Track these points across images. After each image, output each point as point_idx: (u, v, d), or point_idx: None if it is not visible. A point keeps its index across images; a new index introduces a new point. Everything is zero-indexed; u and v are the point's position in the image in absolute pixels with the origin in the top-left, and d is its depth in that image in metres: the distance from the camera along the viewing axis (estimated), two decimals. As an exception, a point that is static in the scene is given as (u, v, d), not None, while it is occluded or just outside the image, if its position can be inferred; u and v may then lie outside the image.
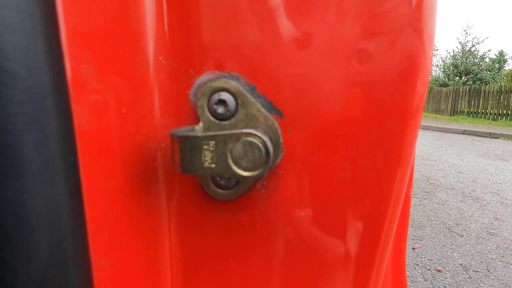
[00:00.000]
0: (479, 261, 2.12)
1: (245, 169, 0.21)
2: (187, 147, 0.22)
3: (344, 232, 0.27)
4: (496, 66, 19.92)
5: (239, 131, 0.21)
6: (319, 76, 0.25)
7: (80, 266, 0.17)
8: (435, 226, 2.64)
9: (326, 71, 0.25)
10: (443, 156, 5.35)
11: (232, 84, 0.25)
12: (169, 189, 0.28)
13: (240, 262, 0.29)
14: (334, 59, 0.24)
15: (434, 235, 2.50)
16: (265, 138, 0.21)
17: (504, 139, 7.65)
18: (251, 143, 0.21)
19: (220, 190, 0.27)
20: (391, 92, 0.24)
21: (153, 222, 0.27)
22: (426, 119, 12.60)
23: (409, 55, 0.23)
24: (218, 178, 0.27)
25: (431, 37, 0.24)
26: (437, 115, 14.70)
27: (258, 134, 0.21)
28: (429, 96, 16.22)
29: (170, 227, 0.29)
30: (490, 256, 2.18)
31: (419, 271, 2.01)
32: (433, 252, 2.24)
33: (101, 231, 0.22)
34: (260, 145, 0.21)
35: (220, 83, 0.25)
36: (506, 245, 2.33)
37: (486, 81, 18.20)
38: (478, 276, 1.96)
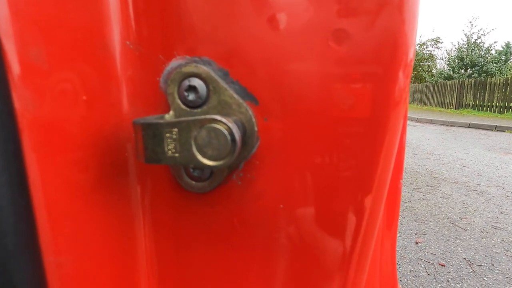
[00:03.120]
0: (483, 255, 2.09)
1: (210, 158, 0.20)
2: (149, 135, 0.20)
3: (324, 223, 0.26)
4: (503, 58, 19.58)
5: (202, 117, 0.19)
6: (295, 59, 0.23)
7: (28, 262, 0.16)
8: (439, 221, 2.62)
9: (302, 53, 0.23)
10: (447, 150, 5.29)
11: (203, 69, 0.24)
12: (141, 182, 0.27)
13: (218, 257, 0.27)
14: (310, 40, 0.23)
15: (437, 229, 2.47)
16: (231, 125, 0.19)
17: (510, 132, 7.54)
18: (215, 130, 0.19)
19: (194, 182, 0.26)
20: (372, 73, 0.23)
21: (125, 217, 0.26)
22: (430, 113, 12.47)
23: (390, 34, 0.22)
24: (191, 170, 0.26)
25: (414, 14, 0.22)
26: (442, 109, 14.53)
27: (223, 120, 0.19)
28: (433, 89, 16.03)
29: (144, 222, 0.27)
30: (494, 250, 2.15)
31: (422, 266, 1.99)
32: (436, 247, 2.21)
33: (62, 226, 0.21)
34: (226, 132, 0.19)
35: (190, 68, 0.24)
36: (511, 239, 2.30)
37: (492, 74, 17.91)
38: (482, 270, 1.93)
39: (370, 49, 0.22)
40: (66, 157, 0.21)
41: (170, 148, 0.20)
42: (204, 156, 0.20)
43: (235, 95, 0.24)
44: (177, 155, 0.20)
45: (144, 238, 0.28)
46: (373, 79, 0.23)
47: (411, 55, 0.24)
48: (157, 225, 0.28)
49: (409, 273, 1.92)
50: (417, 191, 3.30)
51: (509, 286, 1.78)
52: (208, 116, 0.19)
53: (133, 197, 0.26)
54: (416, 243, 2.27)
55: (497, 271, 1.92)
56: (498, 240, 2.29)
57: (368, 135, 0.24)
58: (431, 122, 9.77)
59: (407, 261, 2.05)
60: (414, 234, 2.39)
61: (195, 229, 0.27)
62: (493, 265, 1.98)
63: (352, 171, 0.24)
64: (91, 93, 0.22)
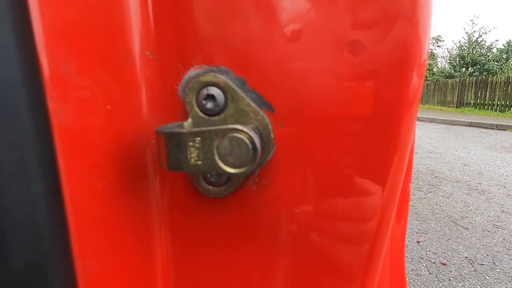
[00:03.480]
0: (484, 254, 2.10)
1: (232, 166, 0.20)
2: (173, 144, 0.21)
3: (339, 226, 0.26)
4: (504, 57, 19.53)
5: (225, 127, 0.20)
6: (310, 68, 0.24)
7: (62, 267, 0.17)
8: (440, 220, 2.63)
9: (317, 63, 0.24)
10: (448, 149, 5.29)
11: (221, 78, 0.24)
12: (159, 187, 0.27)
13: (233, 260, 0.28)
14: (326, 50, 0.23)
15: (439, 228, 2.48)
16: (252, 134, 0.20)
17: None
18: (237, 139, 0.20)
19: (211, 187, 0.27)
20: (385, 84, 0.23)
21: (144, 221, 0.27)
22: (431, 112, 12.45)
23: (403, 45, 0.22)
24: (209, 175, 0.26)
25: (426, 26, 0.23)
26: (443, 107, 14.51)
27: (245, 130, 0.20)
28: (434, 88, 16.01)
29: (162, 226, 0.28)
30: (496, 249, 2.16)
31: (424, 265, 2.00)
32: (438, 246, 2.23)
33: (87, 230, 0.21)
34: (247, 141, 0.20)
35: (209, 77, 0.24)
36: (513, 238, 2.31)
37: (493, 72, 17.85)
38: (483, 269, 1.94)
39: (384, 57, 0.23)
40: (91, 165, 0.22)
41: (193, 156, 0.21)
42: (226, 164, 0.20)
43: (252, 104, 0.24)
44: (199, 163, 0.21)
45: (161, 242, 0.28)
46: (387, 86, 0.24)
47: (425, 56, 0.24)
48: (174, 229, 0.28)
49: (410, 272, 1.93)
50: (418, 190, 3.30)
51: (511, 285, 1.78)
52: (230, 126, 0.20)
53: (151, 201, 0.27)
54: (418, 242, 2.28)
55: (499, 270, 1.93)
56: (500, 239, 2.30)
57: (382, 140, 0.25)
58: (432, 121, 9.76)
59: (409, 260, 2.06)
60: (415, 233, 2.40)
61: (211, 233, 0.28)
62: (494, 264, 1.99)
63: (366, 175, 0.25)
64: (114, 102, 0.23)
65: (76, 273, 0.18)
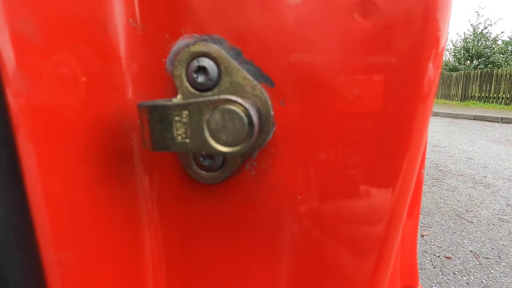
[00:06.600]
0: (490, 248, 2.07)
1: (224, 144, 0.18)
2: (156, 118, 0.18)
3: (345, 218, 0.24)
4: (509, 49, 19.20)
5: (216, 97, 0.17)
6: (315, 36, 0.21)
7: (23, 258, 0.14)
8: (445, 213, 2.59)
9: (323, 29, 0.21)
10: (453, 143, 5.23)
11: (214, 48, 0.21)
12: (147, 173, 0.25)
13: (230, 254, 0.26)
14: (333, 14, 0.20)
15: (443, 222, 2.45)
16: (248, 106, 0.17)
17: (517, 124, 7.42)
18: (230, 111, 0.17)
19: (204, 173, 0.24)
20: (402, 50, 0.20)
21: (131, 210, 0.24)
22: (435, 105, 12.32)
23: (421, 4, 0.19)
24: (202, 159, 0.24)
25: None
26: (447, 101, 14.35)
27: (239, 101, 0.17)
28: (438, 81, 15.78)
29: (151, 215, 0.26)
30: (501, 243, 2.13)
31: (428, 258, 1.98)
32: (442, 239, 2.20)
33: (61, 220, 0.19)
34: (242, 114, 0.17)
35: (200, 47, 0.21)
36: (518, 232, 2.27)
37: (499, 65, 17.57)
38: (489, 262, 1.91)
39: (400, 18, 0.20)
40: (65, 145, 0.19)
41: (179, 133, 0.18)
42: (218, 141, 0.18)
43: (249, 76, 0.21)
44: (187, 140, 0.18)
45: (151, 233, 0.26)
46: (404, 53, 0.21)
47: (443, 43, 0.21)
48: (165, 218, 0.26)
49: (415, 266, 1.90)
50: (423, 184, 3.26)
51: (517, 278, 1.76)
52: (222, 97, 0.17)
53: (139, 189, 0.25)
54: (422, 236, 2.26)
55: (504, 264, 1.90)
56: (505, 232, 2.27)
57: (396, 114, 0.22)
58: (436, 114, 9.65)
59: (413, 254, 2.03)
60: (419, 227, 2.38)
61: (205, 224, 0.26)
62: (500, 257, 1.96)
63: (376, 163, 0.22)
64: (91, 75, 0.20)
65: (43, 265, 0.16)
